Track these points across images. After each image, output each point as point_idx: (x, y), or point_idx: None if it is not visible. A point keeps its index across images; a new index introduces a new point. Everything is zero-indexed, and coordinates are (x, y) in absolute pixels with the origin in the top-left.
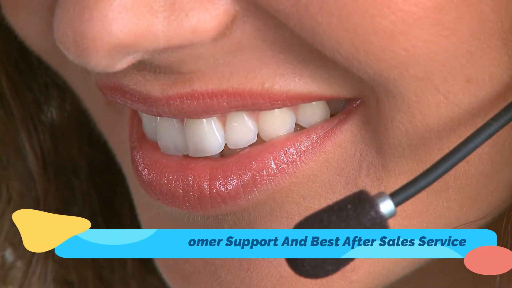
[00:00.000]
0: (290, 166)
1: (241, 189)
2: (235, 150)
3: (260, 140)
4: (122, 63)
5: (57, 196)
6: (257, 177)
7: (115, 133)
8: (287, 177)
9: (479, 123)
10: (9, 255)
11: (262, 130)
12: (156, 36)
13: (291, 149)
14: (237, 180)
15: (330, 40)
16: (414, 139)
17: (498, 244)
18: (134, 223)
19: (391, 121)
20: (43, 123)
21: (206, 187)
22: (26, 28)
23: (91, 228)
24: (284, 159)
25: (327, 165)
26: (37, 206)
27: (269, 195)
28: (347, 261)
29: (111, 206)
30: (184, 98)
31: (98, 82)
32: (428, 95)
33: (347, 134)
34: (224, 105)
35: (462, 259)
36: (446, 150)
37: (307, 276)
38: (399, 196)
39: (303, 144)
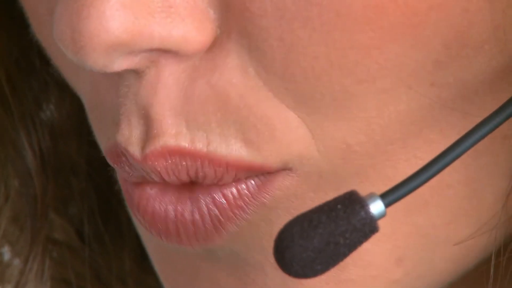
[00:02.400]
0: (239, 211)
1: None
2: None
3: None
4: (120, 63)
5: (55, 194)
6: (221, 218)
7: None
8: (243, 221)
9: (443, 124)
10: (6, 253)
11: None
12: (151, 35)
13: (234, 190)
14: (210, 218)
15: (307, 55)
16: (377, 157)
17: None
18: (132, 223)
19: (348, 148)
20: (42, 121)
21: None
22: (51, 46)
23: (89, 227)
24: (233, 201)
25: (276, 213)
26: (35, 205)
27: (236, 235)
28: (336, 261)
29: (109, 205)
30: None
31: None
32: (390, 106)
33: (280, 193)
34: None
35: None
36: (413, 159)
37: (296, 276)
38: (390, 197)
39: (243, 189)
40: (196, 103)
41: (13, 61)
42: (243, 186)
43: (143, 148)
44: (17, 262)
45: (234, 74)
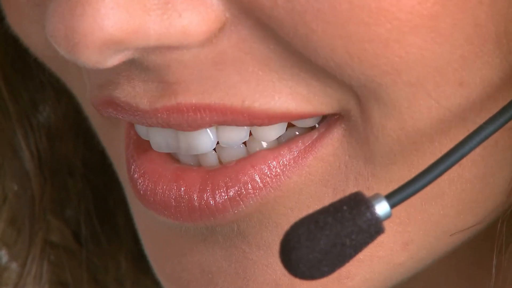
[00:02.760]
0: (274, 180)
1: (228, 202)
2: (229, 152)
3: (251, 140)
4: (113, 60)
5: (52, 196)
6: (243, 191)
7: (112, 145)
8: (272, 190)
9: (470, 125)
10: (3, 255)
11: (254, 128)
12: (147, 34)
13: (273, 163)
14: (225, 193)
15: (324, 47)
16: (406, 145)
17: (493, 248)
18: (128, 224)
19: (382, 129)
20: (39, 122)
21: (196, 198)
22: (30, 36)
23: (86, 228)
24: (268, 173)
25: (311, 178)
26: (32, 206)
27: (255, 208)
28: (343, 262)
29: (106, 206)
30: (170, 111)
31: (92, 99)
32: (420, 100)
33: (328, 148)
34: (206, 119)
35: (459, 264)
36: (439, 154)
37: (302, 277)
38: (395, 197)
39: (285, 158)
40: (228, 67)
41: (8, 62)
42: (285, 157)
43: (152, 102)
44: (14, 265)
45: (269, 42)
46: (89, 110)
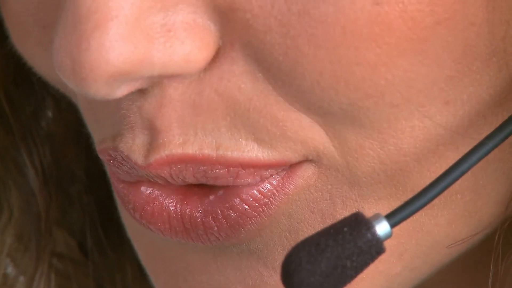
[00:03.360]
0: (264, 208)
1: (229, 229)
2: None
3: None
4: (122, 90)
5: (57, 208)
6: (239, 220)
7: None
8: (265, 218)
9: (459, 141)
10: (11, 270)
11: None
12: (152, 62)
13: (256, 192)
14: (225, 220)
15: (313, 71)
16: (388, 164)
17: (491, 257)
18: None
19: (360, 149)
20: (42, 136)
21: (200, 221)
22: (35, 57)
23: (91, 239)
24: (255, 203)
25: (296, 205)
26: (38, 222)
27: (255, 234)
28: (344, 284)
29: (110, 215)
30: (161, 164)
31: (97, 146)
32: (402, 121)
33: (303, 183)
34: (190, 170)
35: (457, 273)
36: (426, 173)
37: None
38: (395, 217)
39: (266, 187)
40: (204, 112)
41: (10, 79)
42: (266, 185)
43: (146, 156)
44: (22, 279)
45: (243, 80)
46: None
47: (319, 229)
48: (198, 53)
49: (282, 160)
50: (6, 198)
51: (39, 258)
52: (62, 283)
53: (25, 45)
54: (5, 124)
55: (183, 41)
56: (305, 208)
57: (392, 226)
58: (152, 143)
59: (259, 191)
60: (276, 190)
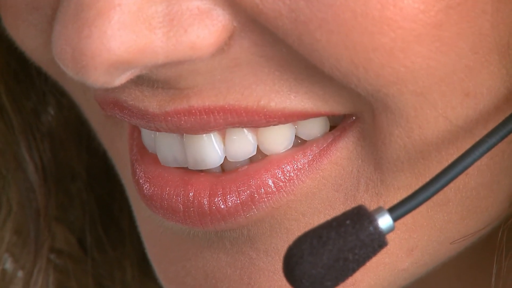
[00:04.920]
0: (287, 184)
1: (240, 206)
2: (235, 165)
3: (259, 153)
4: (121, 79)
5: (56, 205)
6: (255, 195)
7: (114, 145)
8: (285, 195)
9: (478, 135)
10: (9, 265)
11: (261, 143)
12: (155, 52)
13: (287, 167)
14: (236, 197)
15: (329, 57)
16: (412, 153)
17: (495, 254)
18: (133, 230)
19: (389, 136)
20: (42, 132)
21: (206, 203)
22: (27, 40)
23: (90, 236)
24: (282, 177)
25: (325, 182)
26: (37, 217)
27: (267, 213)
28: (345, 276)
29: (110, 212)
30: (181, 114)
31: (96, 96)
32: (426, 110)
33: (343, 152)
34: (220, 121)
35: (461, 270)
36: (445, 163)
37: None
38: (398, 211)
39: (300, 162)
40: (242, 67)
41: (12, 74)
42: (295, 163)
43: (162, 105)
44: (20, 274)
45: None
46: (89, 111)
47: (339, 211)
48: (204, 39)
49: (331, 112)
50: (5, 193)
51: (38, 254)
52: (61, 279)
53: (17, 28)
54: (5, 119)
55: (186, 29)
56: (332, 186)
57: (395, 219)
58: (171, 95)
59: (292, 167)
60: (309, 165)
